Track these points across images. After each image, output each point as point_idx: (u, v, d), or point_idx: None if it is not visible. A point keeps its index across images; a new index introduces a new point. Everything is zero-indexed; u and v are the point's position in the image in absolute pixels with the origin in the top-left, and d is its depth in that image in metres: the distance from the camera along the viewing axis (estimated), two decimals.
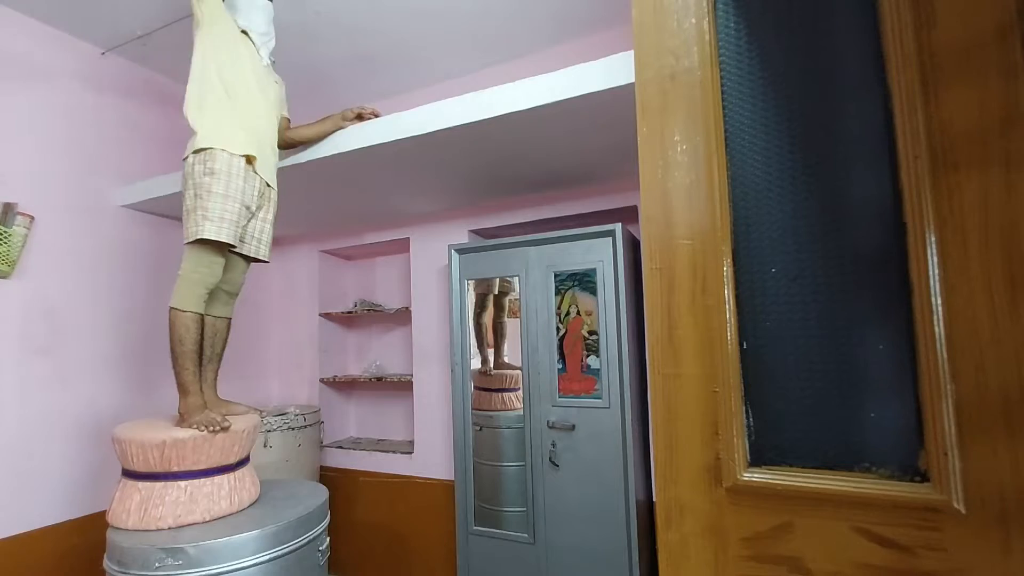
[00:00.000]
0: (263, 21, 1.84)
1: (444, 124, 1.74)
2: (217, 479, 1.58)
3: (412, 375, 2.95)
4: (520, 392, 2.27)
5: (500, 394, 2.41)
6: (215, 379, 1.79)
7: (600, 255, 2.12)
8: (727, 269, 0.76)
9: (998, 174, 0.61)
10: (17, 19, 2.16)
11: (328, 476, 3.06)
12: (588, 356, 2.13)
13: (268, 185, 1.78)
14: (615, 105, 1.56)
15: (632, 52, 0.87)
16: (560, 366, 2.19)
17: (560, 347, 2.19)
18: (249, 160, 1.66)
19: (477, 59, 2.65)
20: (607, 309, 2.09)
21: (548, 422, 2.17)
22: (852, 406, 0.69)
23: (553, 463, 2.16)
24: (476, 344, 2.47)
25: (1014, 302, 0.60)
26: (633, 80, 0.86)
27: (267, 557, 1.46)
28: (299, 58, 2.53)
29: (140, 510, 1.49)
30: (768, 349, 0.74)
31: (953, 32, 0.64)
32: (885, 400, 0.68)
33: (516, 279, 2.33)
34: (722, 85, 0.79)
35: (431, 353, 2.88)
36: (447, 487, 2.69)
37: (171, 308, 1.60)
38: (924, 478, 0.64)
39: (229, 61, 1.69)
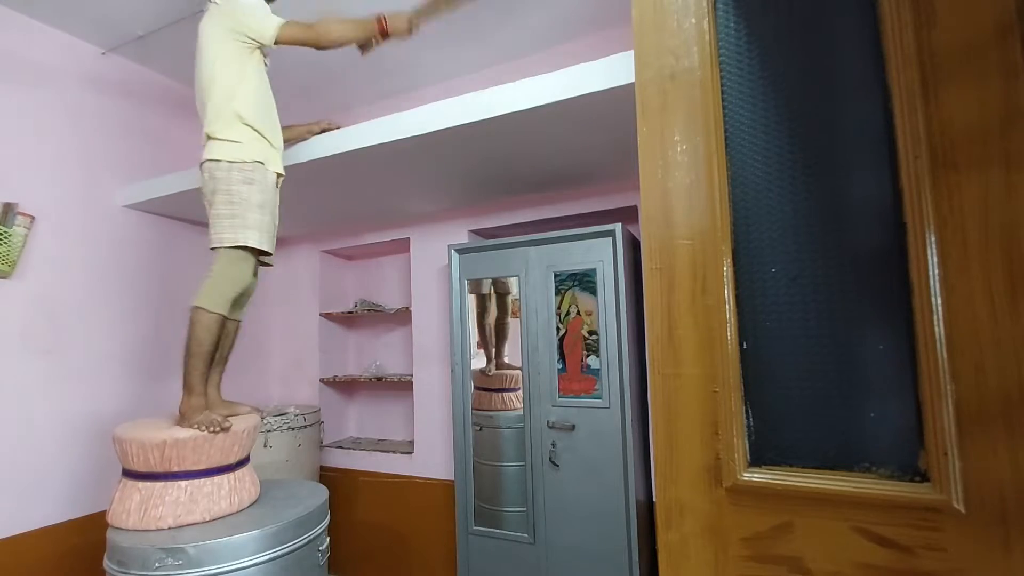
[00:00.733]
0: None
1: (444, 124, 1.74)
2: (217, 479, 1.58)
3: (412, 375, 2.95)
4: (520, 392, 2.27)
5: (500, 394, 2.41)
6: (220, 381, 1.79)
7: (600, 255, 2.12)
8: (727, 269, 0.76)
9: (998, 174, 0.61)
10: (17, 19, 2.16)
11: (328, 476, 3.06)
12: (588, 356, 2.14)
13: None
14: (615, 105, 1.56)
15: (632, 52, 0.87)
16: (560, 366, 2.19)
17: (560, 347, 2.19)
18: (279, 177, 1.74)
19: (477, 59, 2.65)
20: (607, 309, 2.09)
21: (548, 422, 2.17)
22: (852, 406, 0.69)
23: (553, 463, 2.16)
24: (477, 344, 2.47)
25: (1014, 302, 0.60)
26: (633, 80, 0.86)
27: (267, 557, 1.46)
28: (299, 58, 2.52)
29: (140, 510, 1.48)
30: (768, 349, 0.74)
31: (953, 32, 0.64)
32: (885, 400, 0.68)
33: (516, 279, 2.33)
34: (722, 85, 0.79)
35: (431, 353, 2.88)
36: (447, 487, 2.69)
37: (197, 308, 1.59)
38: (924, 478, 0.64)
39: (261, 79, 1.72)
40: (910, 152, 0.66)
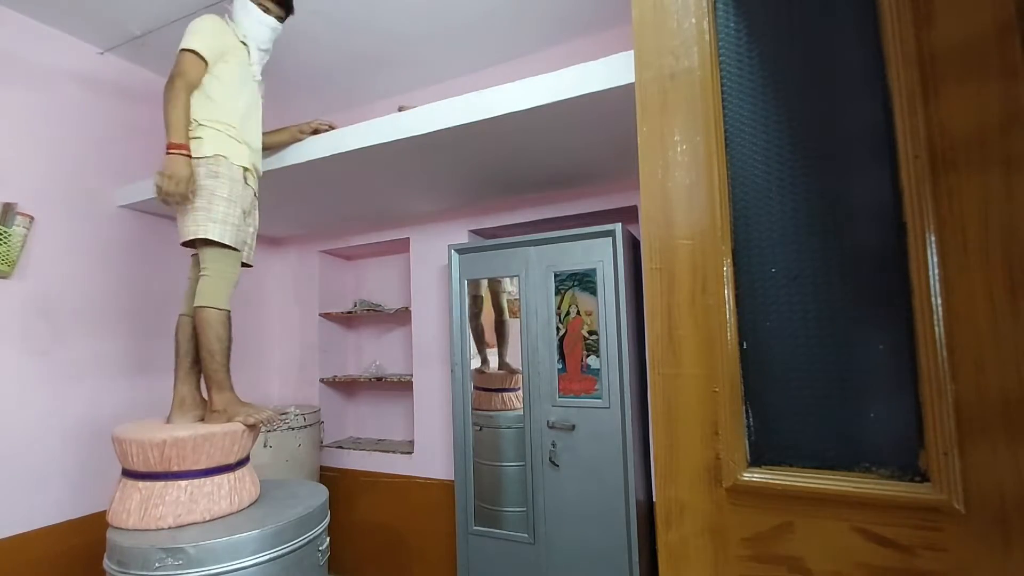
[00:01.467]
0: (267, 39, 1.85)
1: (444, 124, 1.74)
2: (217, 479, 1.58)
3: (412, 375, 2.95)
4: (520, 392, 2.27)
5: (500, 394, 2.41)
6: (199, 381, 1.79)
7: (600, 255, 2.12)
8: (727, 269, 0.76)
9: (998, 174, 0.61)
10: (17, 19, 2.16)
11: (328, 476, 3.06)
12: (588, 356, 2.13)
13: (255, 195, 1.83)
14: (615, 105, 1.56)
15: (632, 52, 0.87)
16: (560, 366, 2.19)
17: (560, 347, 2.19)
18: (246, 171, 1.73)
19: (477, 59, 2.65)
20: (607, 309, 2.09)
21: (548, 422, 2.17)
22: (852, 406, 0.69)
23: (553, 463, 2.16)
24: (475, 345, 2.47)
25: (1014, 302, 0.60)
26: (633, 80, 0.86)
27: (267, 557, 1.46)
28: (299, 58, 2.53)
29: (140, 510, 1.48)
30: (768, 349, 0.74)
31: (953, 32, 0.64)
32: (885, 400, 0.68)
33: (515, 279, 2.33)
34: (722, 85, 0.79)
35: (431, 353, 2.87)
36: (447, 487, 2.69)
37: (207, 308, 1.63)
38: (924, 478, 0.64)
39: (222, 81, 1.72)
40: (910, 152, 0.66)
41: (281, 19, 1.86)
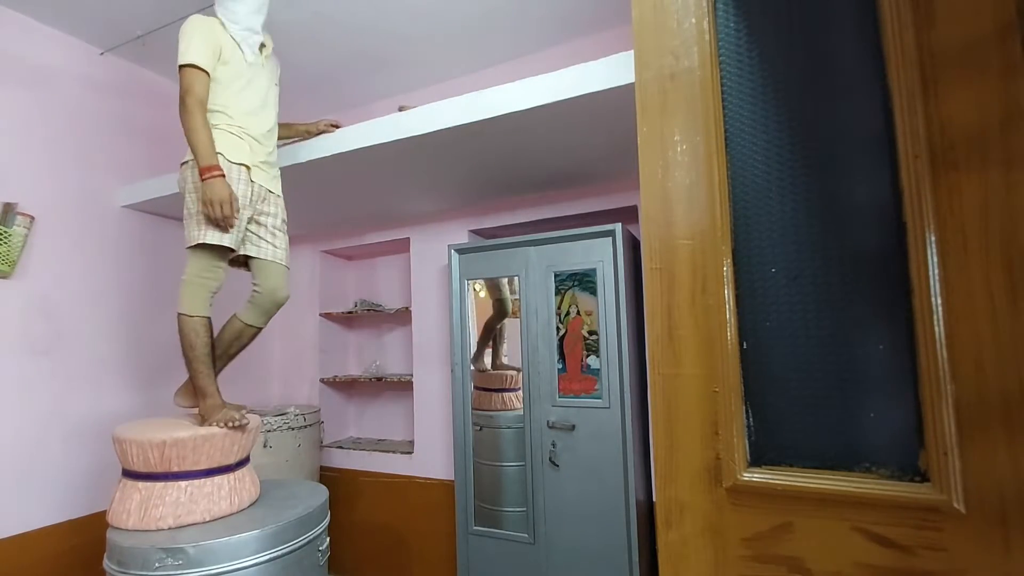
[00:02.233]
0: (244, 14, 1.74)
1: (444, 124, 1.74)
2: (217, 479, 1.58)
3: (412, 375, 2.95)
4: (520, 392, 2.27)
5: (500, 394, 2.41)
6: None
7: (600, 255, 2.12)
8: (727, 269, 0.76)
9: (998, 174, 0.61)
10: (17, 19, 2.16)
11: (328, 476, 3.06)
12: (588, 356, 2.13)
13: (270, 191, 1.79)
14: (615, 105, 1.56)
15: (632, 52, 0.87)
16: (560, 366, 2.19)
17: (560, 347, 2.19)
18: (247, 168, 1.71)
19: (477, 59, 2.65)
20: (607, 309, 2.09)
21: (548, 422, 2.17)
22: (852, 406, 0.69)
23: (553, 463, 2.16)
24: (477, 345, 2.48)
25: (1014, 302, 0.60)
26: (633, 80, 0.86)
27: (267, 557, 1.46)
28: (299, 58, 2.53)
29: (140, 510, 1.49)
30: (768, 349, 0.74)
31: (953, 32, 0.64)
32: (885, 400, 0.68)
33: (516, 279, 2.33)
34: (722, 85, 0.79)
35: (431, 353, 2.87)
36: (447, 487, 2.69)
37: (179, 314, 1.65)
38: (924, 478, 0.64)
39: (236, 76, 1.71)
40: (910, 152, 0.66)
41: None
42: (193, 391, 1.72)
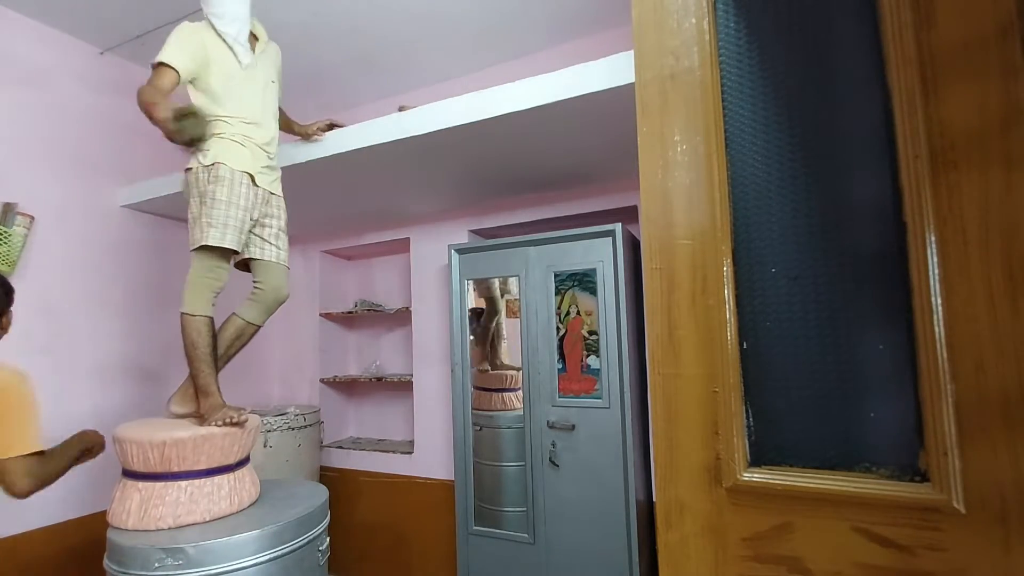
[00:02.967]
0: (230, 4, 1.71)
1: (444, 124, 1.74)
2: (217, 479, 1.57)
3: (412, 375, 2.95)
4: (520, 392, 2.27)
5: (500, 394, 2.41)
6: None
7: (600, 255, 2.12)
8: (727, 269, 0.76)
9: (998, 174, 0.61)
10: (17, 19, 2.16)
11: (328, 476, 3.06)
12: (588, 356, 2.13)
13: (272, 193, 1.80)
14: (615, 105, 1.56)
15: (632, 52, 0.87)
16: (560, 366, 2.19)
17: (560, 347, 2.19)
18: (250, 175, 1.72)
19: (477, 59, 2.65)
20: (607, 309, 2.09)
21: (548, 422, 2.17)
22: (852, 406, 0.69)
23: (553, 463, 2.16)
24: (477, 346, 2.48)
25: (1014, 302, 0.60)
26: (633, 80, 0.86)
27: (267, 557, 1.46)
28: (299, 58, 2.53)
29: (140, 510, 1.48)
30: (768, 349, 0.74)
31: (953, 32, 0.64)
32: (885, 400, 0.68)
33: (516, 279, 2.33)
34: (722, 85, 0.79)
35: (431, 353, 2.87)
36: (447, 487, 2.69)
37: (182, 313, 1.66)
38: (924, 478, 0.64)
39: (231, 81, 1.70)
40: (910, 152, 0.66)
41: None
42: (188, 397, 1.71)
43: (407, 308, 3.03)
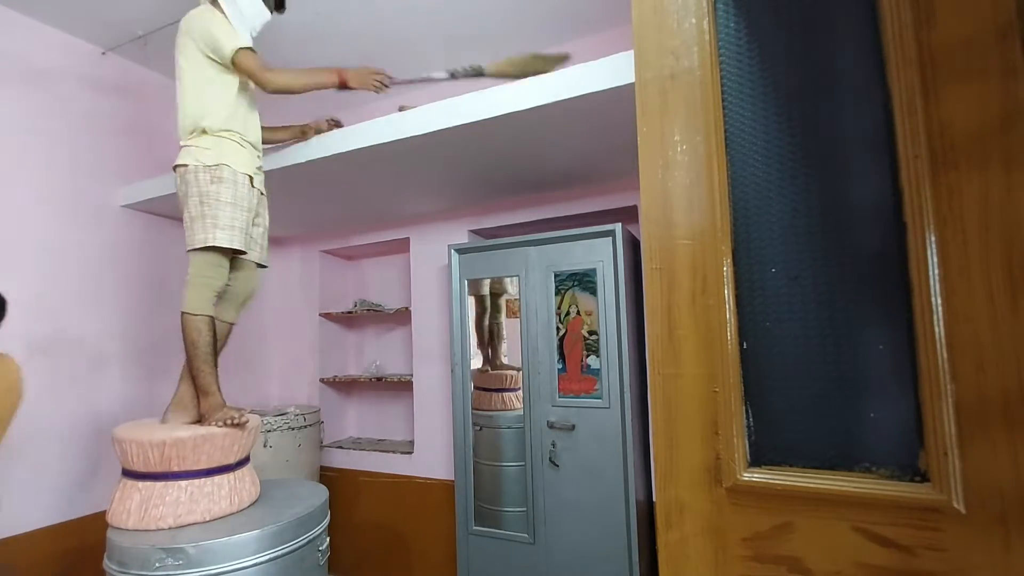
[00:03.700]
0: (257, 28, 1.78)
1: (444, 124, 1.74)
2: (217, 479, 1.58)
3: (412, 375, 2.95)
4: (520, 392, 2.27)
5: (500, 394, 2.41)
6: None
7: (600, 255, 2.12)
8: (727, 269, 0.76)
9: (998, 174, 0.61)
10: (17, 19, 2.16)
11: (328, 476, 3.06)
12: (588, 356, 2.13)
13: (262, 193, 1.83)
14: (615, 105, 1.56)
15: (632, 52, 0.87)
16: (560, 366, 2.19)
17: (560, 347, 2.19)
18: (250, 177, 1.73)
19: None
20: (607, 309, 2.09)
21: (548, 422, 2.17)
22: (852, 406, 0.69)
23: (553, 463, 2.16)
24: (476, 344, 2.48)
25: (1014, 302, 0.60)
26: (633, 80, 0.86)
27: (267, 557, 1.46)
28: (299, 58, 2.52)
29: (140, 510, 1.48)
30: (768, 349, 0.74)
31: (953, 32, 0.64)
32: (885, 400, 0.68)
33: (516, 279, 2.33)
34: (722, 85, 0.79)
35: (431, 353, 2.87)
36: (447, 487, 2.69)
37: (183, 313, 1.65)
38: (924, 478, 0.64)
39: (232, 86, 1.70)
40: (910, 152, 0.66)
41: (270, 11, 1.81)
42: (183, 407, 1.71)
43: (407, 308, 3.03)
